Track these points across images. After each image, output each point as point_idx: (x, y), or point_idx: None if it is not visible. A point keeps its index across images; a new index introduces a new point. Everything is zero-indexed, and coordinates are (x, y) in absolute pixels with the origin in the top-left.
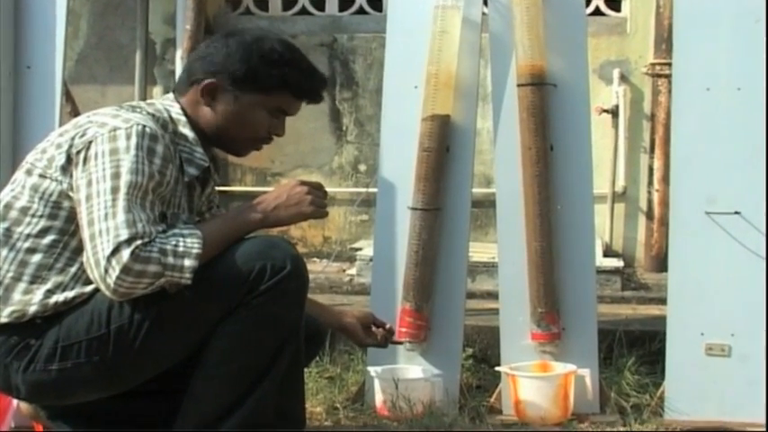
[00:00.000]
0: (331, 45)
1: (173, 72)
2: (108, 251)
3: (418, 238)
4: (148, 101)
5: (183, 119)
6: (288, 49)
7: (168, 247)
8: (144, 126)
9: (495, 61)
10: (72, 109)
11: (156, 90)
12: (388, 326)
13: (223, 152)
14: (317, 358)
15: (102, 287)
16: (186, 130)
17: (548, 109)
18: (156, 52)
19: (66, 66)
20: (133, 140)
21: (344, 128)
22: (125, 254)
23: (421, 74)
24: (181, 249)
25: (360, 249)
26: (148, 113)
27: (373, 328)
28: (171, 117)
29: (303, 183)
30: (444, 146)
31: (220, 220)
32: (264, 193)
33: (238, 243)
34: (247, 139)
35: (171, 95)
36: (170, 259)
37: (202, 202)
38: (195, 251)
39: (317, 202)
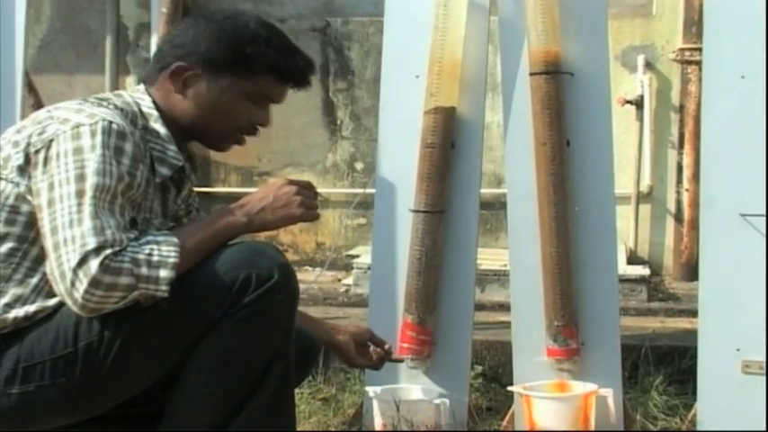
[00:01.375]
0: (323, 30)
1: (147, 60)
2: (74, 262)
3: (421, 244)
4: (116, 92)
5: (155, 113)
6: (265, 26)
7: (141, 256)
8: (110, 122)
9: (506, 47)
10: (35, 101)
11: (130, 80)
12: (386, 345)
13: (204, 149)
14: (310, 377)
15: (69, 302)
16: (158, 126)
17: (564, 100)
18: (128, 38)
19: (28, 53)
20: (99, 138)
21: (339, 122)
22: (93, 265)
23: (423, 62)
24: (155, 259)
25: (356, 257)
26: (116, 107)
27: (370, 347)
28: (141, 111)
29: (292, 182)
30: (449, 141)
31: (199, 225)
32: (250, 194)
33: (220, 250)
34: (227, 131)
35: (141, 87)
36: (144, 270)
37: (178, 205)
38: (172, 260)
39: (308, 204)
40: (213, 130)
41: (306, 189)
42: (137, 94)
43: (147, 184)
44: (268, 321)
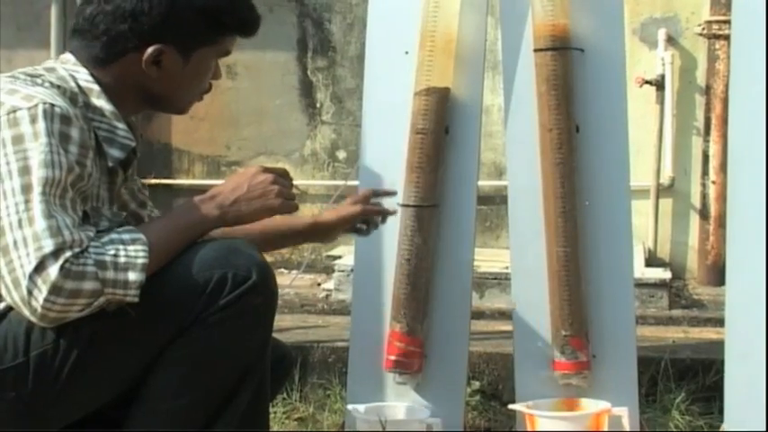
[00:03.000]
0: (301, 0)
1: None
2: (30, 268)
3: (411, 243)
4: (47, 65)
5: (96, 87)
6: None
7: (107, 257)
8: (52, 105)
9: (507, 20)
10: None
11: None
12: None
13: (159, 135)
14: (284, 394)
15: (27, 312)
16: (101, 102)
17: (573, 80)
18: (75, 7)
19: None
20: (41, 124)
21: (318, 105)
22: (53, 270)
23: (413, 36)
24: (122, 260)
25: (338, 258)
26: (52, 85)
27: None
28: (80, 87)
29: (267, 169)
30: (443, 127)
31: (167, 220)
32: (220, 184)
33: (191, 248)
34: (194, 96)
35: (70, 57)
36: (110, 273)
37: (125, 190)
38: (141, 261)
39: (285, 194)
40: (182, 99)
41: (282, 177)
42: (69, 66)
43: (98, 170)
44: (243, 327)
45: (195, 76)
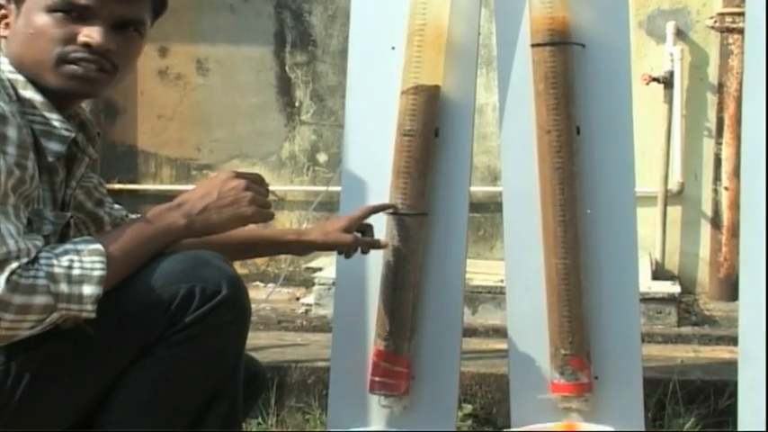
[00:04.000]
0: None
1: None
2: None
3: (397, 254)
4: None
5: (20, 77)
6: None
7: (59, 269)
8: None
9: (502, 12)
10: None
11: None
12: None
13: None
14: (259, 418)
15: None
16: (30, 93)
17: (573, 78)
18: None
19: None
20: None
21: (297, 103)
22: None
23: (400, 30)
24: (77, 272)
25: (318, 270)
26: None
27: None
28: (9, 79)
29: (239, 175)
30: (432, 128)
31: (128, 229)
32: (189, 190)
33: (155, 260)
34: (50, 61)
35: None
36: (63, 286)
37: (73, 189)
38: (97, 273)
39: (260, 201)
40: (42, 69)
41: (256, 184)
42: None
43: (37, 169)
44: (212, 347)
45: (29, 30)
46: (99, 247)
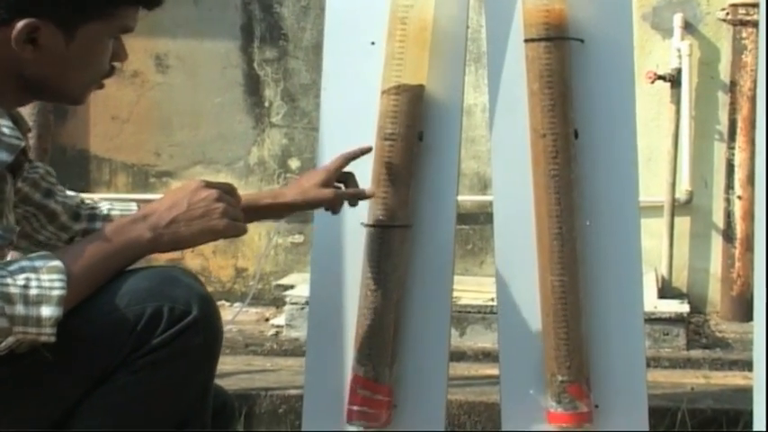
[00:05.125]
0: None
1: None
2: None
3: (378, 271)
4: None
5: None
6: None
7: (14, 289)
8: None
9: (493, 5)
10: None
11: None
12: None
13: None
14: None
15: None
16: None
17: (571, 76)
18: None
19: None
20: None
21: (267, 104)
22: None
23: (381, 23)
24: (34, 292)
25: (290, 288)
26: None
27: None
28: None
29: (210, 184)
30: (416, 132)
31: (89, 244)
32: (150, 201)
33: (119, 277)
34: (90, 82)
35: None
36: (19, 308)
37: (24, 183)
38: (57, 293)
39: (232, 213)
40: (71, 85)
41: (228, 194)
42: None
43: None
44: (180, 372)
45: (85, 57)
46: (58, 263)
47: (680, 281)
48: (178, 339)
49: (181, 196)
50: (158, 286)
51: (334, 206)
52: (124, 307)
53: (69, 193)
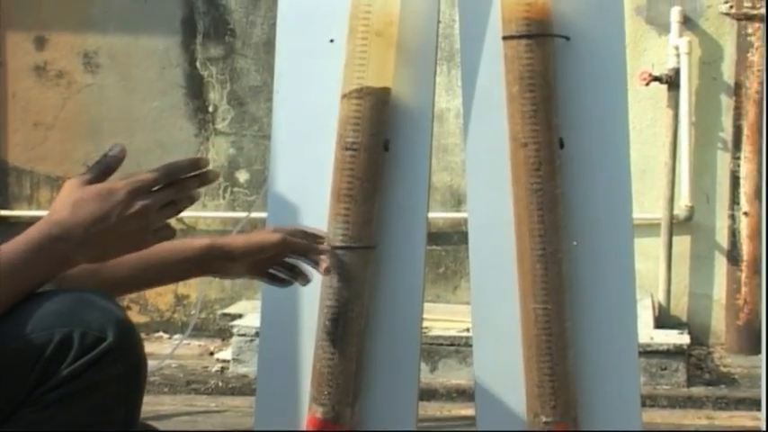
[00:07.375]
0: None
1: None
2: None
3: (338, 297)
4: None
5: None
6: None
7: None
8: None
9: None
10: None
11: None
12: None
13: None
14: None
15: None
16: None
17: (555, 78)
18: None
19: None
20: None
21: (211, 108)
22: None
23: (341, 18)
24: None
25: (238, 317)
26: None
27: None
28: None
29: (138, 190)
30: (381, 141)
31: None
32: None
33: (26, 300)
34: None
35: None
36: None
37: None
38: None
39: (162, 221)
40: None
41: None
42: None
43: None
44: (95, 408)
45: None
46: None
47: (679, 308)
48: (91, 370)
49: (108, 207)
50: (69, 309)
51: (282, 251)
52: (28, 333)
53: None
